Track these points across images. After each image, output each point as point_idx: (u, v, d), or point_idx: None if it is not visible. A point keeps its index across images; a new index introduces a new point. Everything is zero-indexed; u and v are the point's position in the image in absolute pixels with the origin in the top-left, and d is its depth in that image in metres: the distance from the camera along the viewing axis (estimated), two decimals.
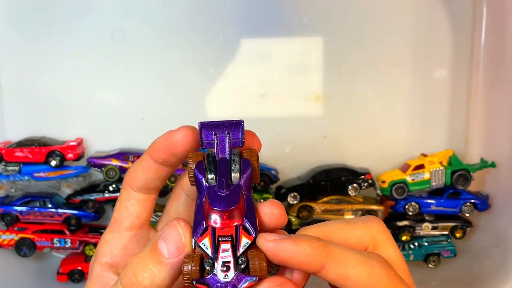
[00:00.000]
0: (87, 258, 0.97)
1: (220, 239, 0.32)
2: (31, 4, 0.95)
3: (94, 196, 0.96)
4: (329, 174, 0.97)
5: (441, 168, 0.97)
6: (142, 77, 0.99)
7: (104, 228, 1.00)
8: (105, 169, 0.95)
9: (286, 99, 1.01)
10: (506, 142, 0.93)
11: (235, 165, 0.34)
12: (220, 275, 0.31)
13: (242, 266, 0.31)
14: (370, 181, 0.97)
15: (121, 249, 0.39)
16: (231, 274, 0.31)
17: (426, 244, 0.99)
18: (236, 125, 0.35)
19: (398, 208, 0.98)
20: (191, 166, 0.35)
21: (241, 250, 0.32)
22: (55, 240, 0.96)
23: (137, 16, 0.97)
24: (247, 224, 0.32)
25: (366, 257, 0.32)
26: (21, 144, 0.95)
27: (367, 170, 0.99)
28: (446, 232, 0.99)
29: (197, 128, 0.36)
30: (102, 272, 0.39)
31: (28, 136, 0.97)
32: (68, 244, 0.96)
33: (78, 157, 0.96)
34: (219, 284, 0.31)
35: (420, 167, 0.97)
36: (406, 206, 0.97)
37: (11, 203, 0.95)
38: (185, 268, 0.32)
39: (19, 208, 0.95)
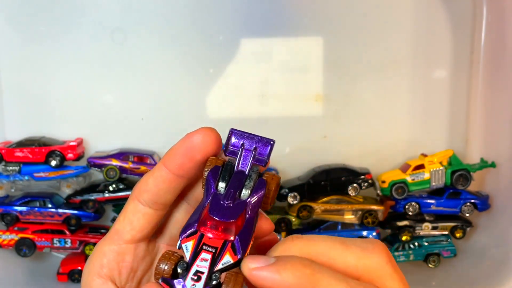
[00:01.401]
0: (87, 258, 0.97)
1: (204, 247, 0.30)
2: (31, 4, 0.95)
3: (94, 196, 0.96)
4: (329, 174, 0.97)
5: (441, 168, 0.97)
6: (142, 77, 0.99)
7: (104, 228, 1.00)
8: (105, 169, 0.95)
9: (286, 99, 1.01)
10: (506, 142, 0.93)
11: (250, 181, 0.32)
12: (188, 283, 0.29)
13: (214, 283, 0.30)
14: (370, 181, 0.97)
15: (119, 262, 0.37)
16: (200, 286, 0.29)
17: (426, 244, 0.99)
18: (265, 143, 0.34)
19: (398, 208, 0.98)
20: (207, 169, 0.33)
21: (219, 266, 0.30)
22: (55, 240, 0.96)
23: (137, 16, 0.97)
24: (236, 243, 0.30)
25: (352, 281, 0.29)
26: (21, 144, 0.95)
27: (367, 170, 0.99)
28: (446, 232, 0.99)
29: (216, 130, 0.34)
30: (105, 285, 0.37)
31: (28, 136, 0.97)
32: (68, 244, 0.96)
33: (78, 157, 0.96)
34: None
35: (420, 167, 0.97)
36: (406, 206, 0.97)
37: (11, 203, 0.95)
38: (160, 266, 0.31)
39: (19, 208, 0.95)
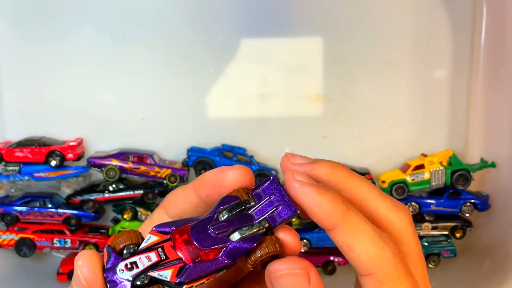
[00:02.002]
0: None
1: (159, 249, 0.30)
2: (31, 4, 0.95)
3: (94, 196, 0.96)
4: None
5: (441, 168, 0.97)
6: (142, 77, 0.99)
7: (104, 228, 1.00)
8: (105, 169, 0.95)
9: (286, 99, 1.01)
10: (506, 142, 0.93)
11: (248, 229, 0.31)
12: (121, 266, 0.29)
13: (138, 283, 0.29)
14: (370, 181, 0.97)
15: None
16: (125, 275, 0.29)
17: (426, 244, 0.99)
18: (290, 208, 0.31)
19: None
20: (226, 194, 0.32)
21: (154, 273, 0.29)
22: (55, 240, 0.96)
23: (137, 16, 0.97)
24: (186, 269, 0.29)
25: (381, 239, 0.31)
26: (21, 144, 0.95)
27: (367, 170, 0.99)
28: (446, 232, 0.99)
29: (251, 171, 0.33)
30: None
31: (28, 136, 0.97)
32: (68, 244, 0.96)
33: (78, 157, 0.96)
34: (108, 266, 0.30)
35: (420, 167, 0.97)
36: (406, 206, 0.97)
37: (11, 203, 0.95)
38: (118, 236, 0.31)
39: (19, 208, 0.95)
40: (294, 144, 1.02)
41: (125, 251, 0.30)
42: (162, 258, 0.29)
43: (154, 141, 1.00)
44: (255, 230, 0.31)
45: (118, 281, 0.29)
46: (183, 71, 0.99)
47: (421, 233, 0.99)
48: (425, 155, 0.98)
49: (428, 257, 0.99)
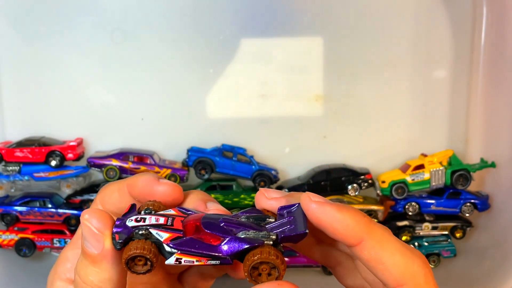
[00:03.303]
0: None
1: (170, 217, 0.32)
2: (31, 4, 0.95)
3: (94, 196, 0.96)
4: (329, 174, 0.98)
5: (441, 168, 0.97)
6: (142, 77, 0.99)
7: None
8: (105, 169, 0.95)
9: (286, 99, 1.01)
10: (506, 142, 0.93)
11: (252, 233, 0.31)
12: (132, 216, 0.32)
13: (137, 231, 0.31)
14: (370, 181, 0.97)
15: None
16: (131, 224, 0.31)
17: (426, 244, 0.99)
18: (299, 227, 0.31)
19: (398, 208, 0.98)
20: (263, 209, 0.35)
21: (153, 230, 0.31)
22: (55, 240, 0.96)
23: (137, 16, 0.97)
24: (181, 240, 0.31)
25: (408, 249, 0.30)
26: (21, 144, 0.95)
27: (367, 170, 0.99)
28: (446, 232, 0.99)
29: (180, 187, 0.36)
30: None
31: (28, 136, 0.97)
32: None
33: (78, 157, 0.96)
34: (123, 217, 0.32)
35: (420, 167, 0.97)
36: (406, 206, 0.97)
37: (11, 203, 0.95)
38: (145, 203, 0.34)
39: (19, 208, 0.95)
40: (294, 144, 1.02)
41: (143, 211, 0.33)
42: (168, 224, 0.31)
43: (154, 141, 1.00)
44: (260, 236, 0.31)
45: (124, 226, 0.31)
46: (183, 71, 0.99)
47: (421, 233, 0.99)
48: (425, 155, 0.98)
49: (428, 257, 0.99)
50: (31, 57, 0.97)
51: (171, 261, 0.30)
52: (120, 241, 0.31)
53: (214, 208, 0.36)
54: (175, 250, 0.30)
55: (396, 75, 1.01)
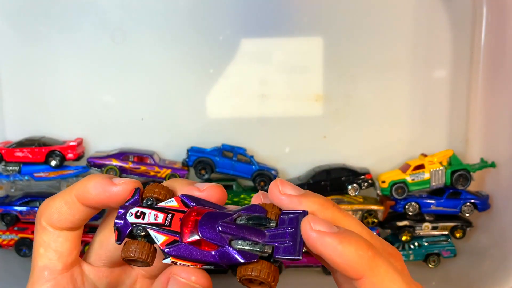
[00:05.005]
0: None
1: (169, 214, 0.32)
2: (31, 4, 0.95)
3: None
4: (329, 174, 0.97)
5: (441, 168, 0.97)
6: (142, 77, 0.99)
7: None
8: (105, 169, 0.95)
9: (286, 99, 1.01)
10: (506, 142, 0.93)
11: (248, 245, 0.30)
12: (133, 209, 0.32)
13: (135, 230, 0.31)
14: (370, 181, 0.97)
15: None
16: (131, 220, 0.32)
17: (426, 244, 0.99)
18: (293, 251, 0.30)
19: (398, 208, 0.98)
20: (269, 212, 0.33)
21: (151, 231, 0.31)
22: None
23: (137, 16, 0.97)
24: (176, 246, 0.31)
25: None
26: (21, 144, 0.95)
27: (367, 170, 0.99)
28: (446, 232, 0.99)
29: (138, 182, 0.35)
30: None
31: (28, 136, 0.97)
32: None
33: (78, 157, 0.96)
34: (126, 204, 0.32)
35: (420, 167, 0.97)
36: (406, 206, 0.97)
37: (11, 203, 0.95)
38: (149, 189, 0.33)
39: (19, 208, 0.95)
40: (294, 144, 1.02)
41: (145, 200, 0.33)
42: (166, 224, 0.31)
43: (154, 141, 1.00)
44: (256, 249, 0.30)
45: (124, 220, 0.32)
46: (183, 71, 0.99)
47: (421, 233, 0.98)
48: (425, 155, 0.98)
49: (428, 257, 0.99)
50: (31, 57, 0.97)
51: (167, 261, 0.31)
52: (120, 237, 0.32)
53: (205, 187, 0.34)
54: (170, 257, 0.31)
55: (396, 75, 1.01)
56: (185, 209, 0.32)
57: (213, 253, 0.31)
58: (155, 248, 0.32)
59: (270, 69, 0.99)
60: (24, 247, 0.95)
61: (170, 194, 0.34)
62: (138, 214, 0.32)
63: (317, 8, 0.98)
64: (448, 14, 0.98)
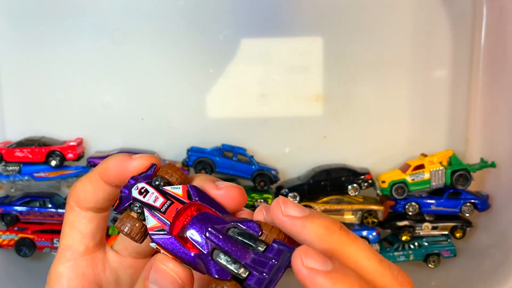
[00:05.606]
0: None
1: (169, 201, 0.31)
2: (31, 4, 0.95)
3: None
4: (329, 174, 0.97)
5: (441, 168, 0.97)
6: (142, 77, 0.99)
7: None
8: None
9: (286, 99, 1.01)
10: (506, 142, 0.93)
11: (227, 262, 0.29)
12: (141, 184, 0.32)
13: (132, 206, 0.32)
14: (370, 181, 0.97)
15: (80, 279, 0.34)
16: (134, 194, 0.32)
17: (426, 244, 0.99)
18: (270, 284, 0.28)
19: (398, 208, 0.98)
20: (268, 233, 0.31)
21: (146, 211, 0.31)
22: (55, 240, 0.96)
23: (137, 16, 0.97)
24: (163, 235, 0.30)
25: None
26: (21, 144, 0.95)
27: (367, 170, 0.99)
28: (446, 232, 0.99)
29: (156, 157, 0.34)
30: None
31: (28, 136, 0.97)
32: None
33: (78, 157, 0.96)
34: (138, 177, 0.33)
35: (420, 167, 0.97)
36: (406, 206, 0.97)
37: (11, 203, 0.95)
38: (164, 170, 0.33)
39: (19, 208, 0.95)
40: (294, 144, 1.02)
41: (154, 179, 0.33)
42: (161, 210, 0.31)
43: (154, 141, 1.00)
44: (231, 269, 0.29)
45: (129, 191, 0.32)
46: (183, 71, 0.99)
47: (421, 233, 0.99)
48: (425, 155, 0.98)
49: (428, 257, 0.99)
50: (31, 57, 0.97)
51: (153, 245, 0.31)
52: (119, 206, 0.32)
53: (224, 186, 0.32)
54: (154, 243, 0.31)
55: (396, 75, 1.01)
56: (186, 201, 0.32)
57: (192, 254, 0.30)
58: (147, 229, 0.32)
59: (270, 69, 0.99)
60: (24, 247, 0.95)
61: (183, 180, 0.33)
62: (142, 190, 0.32)
63: (317, 8, 0.98)
64: (448, 14, 0.98)
